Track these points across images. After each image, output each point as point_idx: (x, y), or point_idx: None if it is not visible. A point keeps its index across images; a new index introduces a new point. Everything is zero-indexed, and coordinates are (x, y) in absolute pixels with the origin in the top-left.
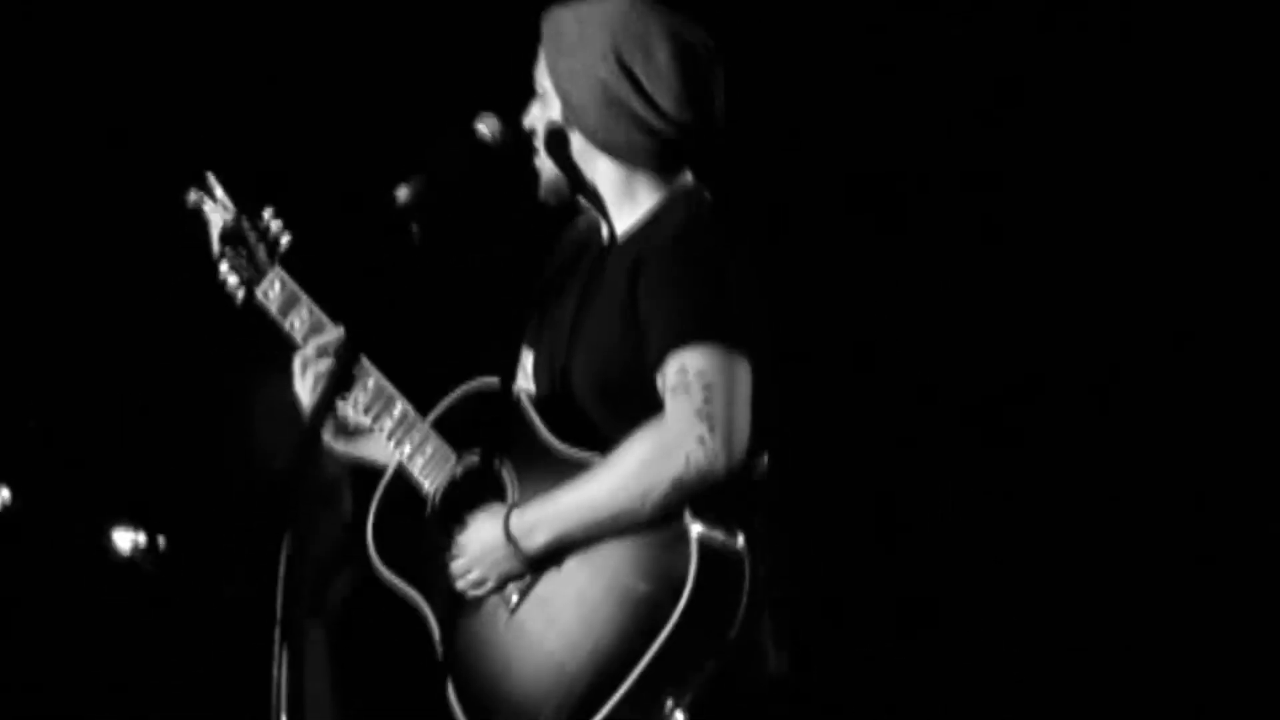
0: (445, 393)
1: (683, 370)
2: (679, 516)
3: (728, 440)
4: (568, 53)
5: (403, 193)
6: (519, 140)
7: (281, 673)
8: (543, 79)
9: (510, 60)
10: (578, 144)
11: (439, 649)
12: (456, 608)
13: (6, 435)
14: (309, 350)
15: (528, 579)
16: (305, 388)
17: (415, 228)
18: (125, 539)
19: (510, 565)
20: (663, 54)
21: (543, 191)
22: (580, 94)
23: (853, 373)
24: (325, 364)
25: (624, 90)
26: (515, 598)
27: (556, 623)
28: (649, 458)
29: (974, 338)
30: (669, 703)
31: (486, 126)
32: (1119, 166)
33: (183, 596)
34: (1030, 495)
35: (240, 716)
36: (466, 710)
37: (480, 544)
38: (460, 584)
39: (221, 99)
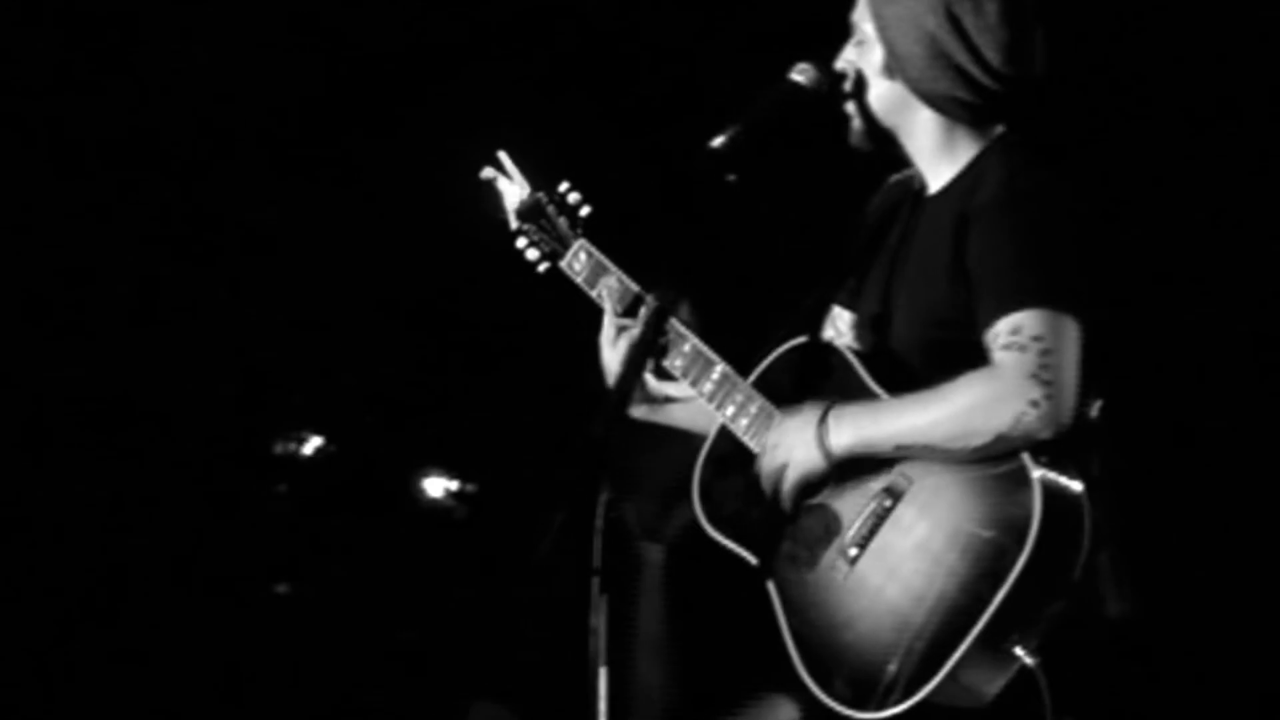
0: (760, 348)
1: (1017, 330)
2: (1018, 461)
3: (1058, 407)
4: (894, 0)
5: (719, 141)
6: (835, 88)
7: (601, 623)
8: (864, 24)
9: (823, 4)
10: (898, 93)
11: (777, 607)
12: (792, 565)
13: (323, 387)
14: (620, 318)
15: (866, 530)
16: (615, 355)
17: (732, 176)
18: (437, 486)
19: (809, 453)
20: (991, 6)
21: (854, 138)
22: (906, 43)
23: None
24: (636, 330)
25: (952, 43)
26: (854, 550)
27: (897, 575)
28: (980, 403)
29: None
30: (1018, 648)
31: (803, 75)
32: None
33: (493, 544)
34: None
35: (557, 668)
36: (809, 666)
37: (792, 427)
38: (763, 467)
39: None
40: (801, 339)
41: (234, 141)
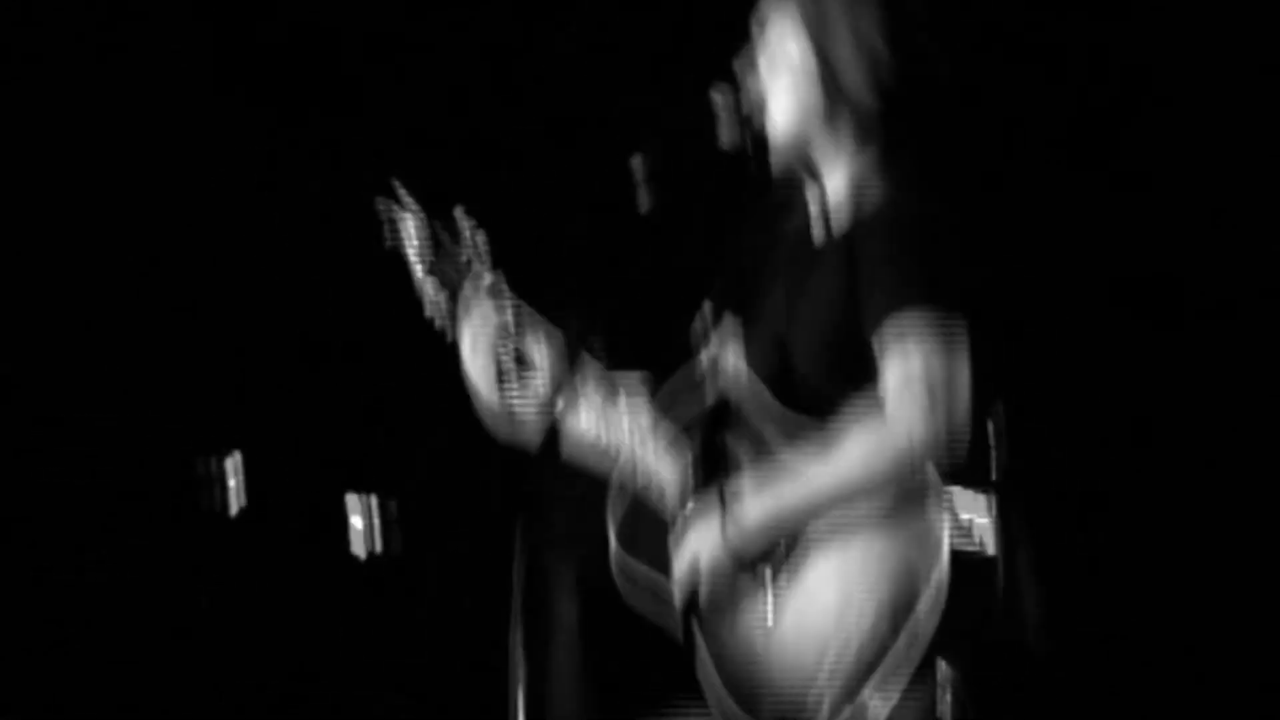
0: (667, 370)
1: (902, 336)
2: (922, 479)
3: (951, 427)
4: (824, 13)
5: (635, 162)
6: (752, 107)
7: (519, 647)
8: (784, 32)
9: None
10: (822, 103)
11: (699, 641)
12: (711, 592)
13: (240, 401)
14: (473, 293)
15: (785, 559)
16: (468, 330)
17: (647, 198)
18: (355, 506)
19: (721, 554)
20: (905, 23)
21: (775, 154)
22: (842, 50)
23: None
24: (490, 307)
25: (880, 50)
26: (771, 582)
27: (816, 603)
28: (872, 456)
29: None
30: (936, 671)
31: (720, 95)
32: None
33: (416, 567)
34: None
35: (477, 688)
36: (737, 699)
37: (698, 533)
38: (678, 580)
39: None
40: (698, 359)
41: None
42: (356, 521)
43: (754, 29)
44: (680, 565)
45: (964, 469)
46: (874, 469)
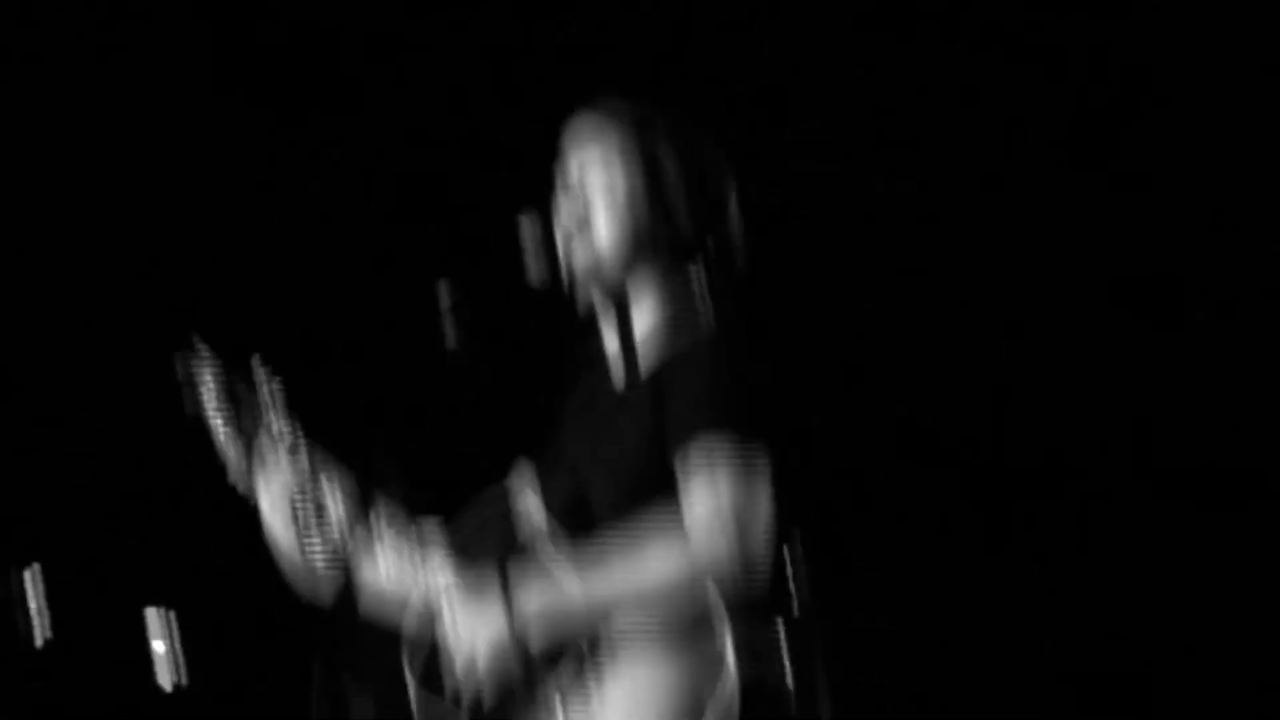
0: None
1: (706, 453)
2: (710, 624)
3: (751, 539)
4: (613, 150)
5: (441, 294)
6: (554, 238)
7: None
8: (585, 174)
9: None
10: (619, 241)
11: None
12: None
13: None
14: (271, 473)
15: (567, 693)
16: (268, 492)
17: (452, 329)
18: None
19: (503, 657)
20: (698, 160)
21: (581, 289)
22: (628, 191)
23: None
24: (286, 463)
25: (672, 190)
26: (561, 713)
27: None
28: (670, 560)
29: None
30: None
31: (528, 227)
32: None
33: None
34: None
35: None
36: None
37: (470, 631)
38: (454, 655)
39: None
40: (488, 499)
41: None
42: (159, 646)
43: (568, 156)
44: (457, 652)
45: (761, 599)
46: (668, 579)
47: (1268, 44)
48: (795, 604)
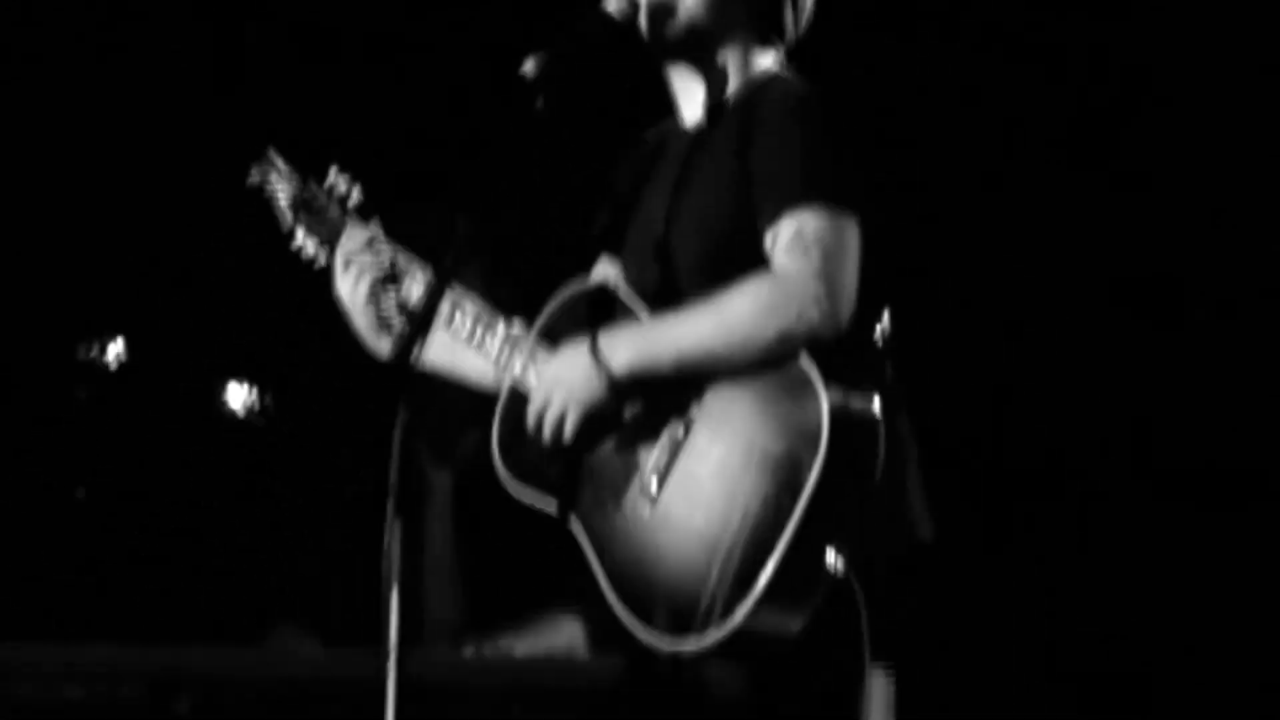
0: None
1: (799, 232)
2: (801, 371)
3: (838, 306)
4: None
5: (530, 66)
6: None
7: (394, 545)
8: None
9: None
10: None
11: (589, 551)
12: (598, 508)
13: (123, 290)
14: (351, 246)
15: (663, 464)
16: (348, 284)
17: (541, 102)
18: (238, 395)
19: (592, 388)
20: None
21: (673, 30)
22: None
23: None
24: (368, 259)
25: None
26: (654, 486)
27: (700, 501)
28: (761, 306)
29: None
30: (825, 556)
31: (615, 4)
32: None
33: (293, 456)
34: None
35: (352, 582)
36: (628, 604)
37: (561, 364)
38: (540, 416)
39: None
40: (577, 286)
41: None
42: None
43: None
44: (552, 415)
45: (853, 371)
46: (761, 324)
47: (1266, 44)
48: (887, 373)
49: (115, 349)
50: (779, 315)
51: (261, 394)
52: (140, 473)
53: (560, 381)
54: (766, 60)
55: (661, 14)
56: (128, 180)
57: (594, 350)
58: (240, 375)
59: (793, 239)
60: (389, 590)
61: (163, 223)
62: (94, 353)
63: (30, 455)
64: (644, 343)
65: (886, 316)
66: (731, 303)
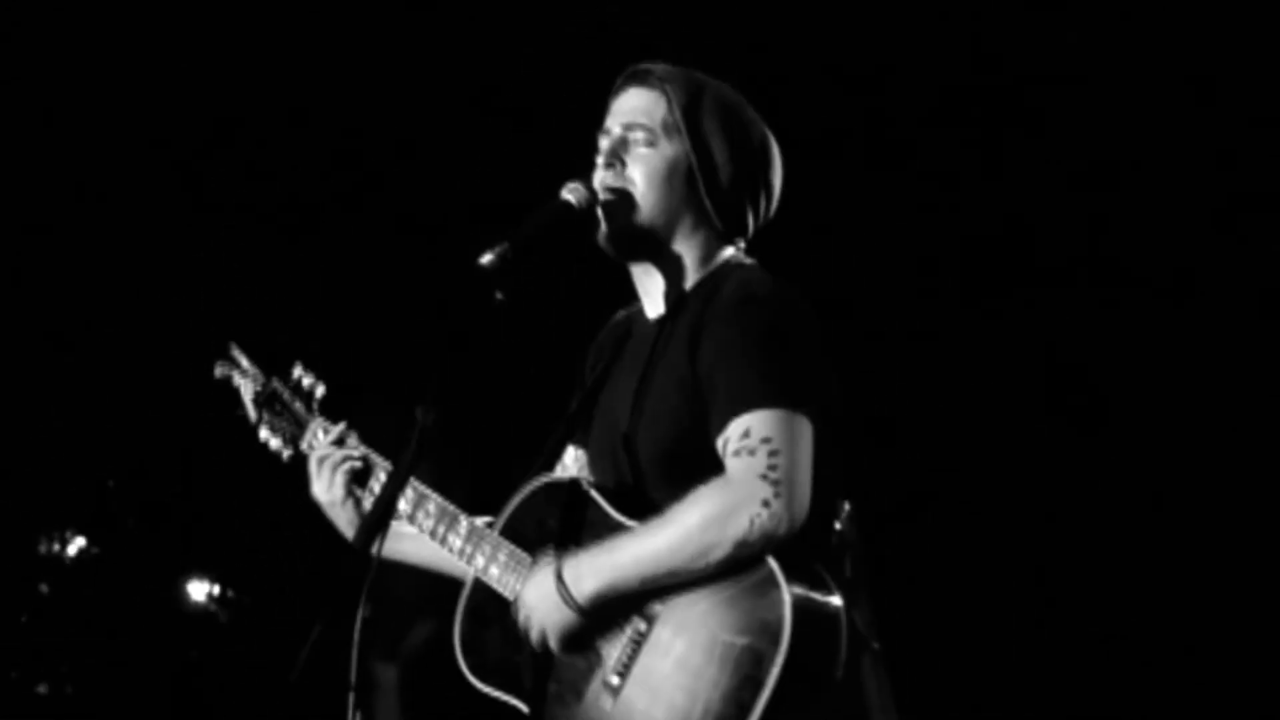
0: (507, 489)
1: (746, 434)
2: (765, 567)
3: (790, 504)
4: (708, 112)
5: (487, 259)
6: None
7: None
8: (657, 126)
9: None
10: (682, 198)
11: None
12: (561, 705)
13: (87, 489)
14: (322, 449)
15: (625, 658)
16: (323, 485)
17: (499, 293)
18: (200, 589)
19: (562, 615)
20: (765, 137)
21: (609, 239)
22: (722, 156)
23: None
24: (339, 457)
25: (764, 164)
26: (615, 680)
27: (663, 695)
28: (713, 516)
29: None
30: None
31: (573, 194)
32: None
33: (254, 648)
34: None
35: None
36: None
37: (534, 592)
38: (525, 632)
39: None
40: (543, 479)
41: None
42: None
43: (619, 108)
44: (533, 639)
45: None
46: (715, 534)
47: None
48: (847, 567)
49: (77, 544)
50: (731, 523)
51: (225, 587)
52: (105, 664)
53: (534, 610)
54: (727, 251)
55: (619, 207)
56: (91, 370)
57: (560, 582)
58: (202, 570)
59: (740, 442)
60: None
61: (127, 417)
62: (55, 547)
63: None
64: (607, 568)
65: (846, 508)
66: (685, 516)
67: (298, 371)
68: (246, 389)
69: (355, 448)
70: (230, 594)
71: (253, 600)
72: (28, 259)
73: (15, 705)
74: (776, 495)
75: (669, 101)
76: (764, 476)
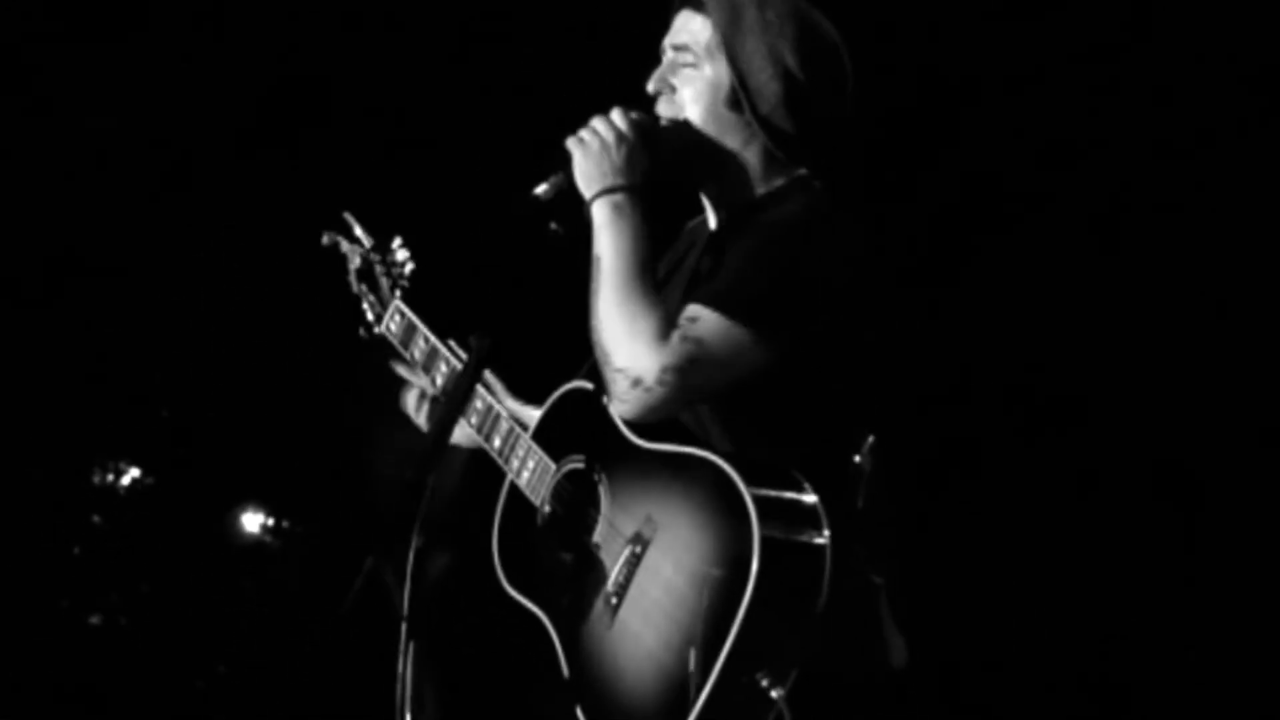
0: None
1: (693, 320)
2: (740, 495)
3: (664, 401)
4: (749, 32)
5: (543, 189)
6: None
7: (408, 669)
8: (700, 49)
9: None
10: (733, 122)
11: (561, 660)
12: (574, 616)
13: (142, 419)
14: (422, 384)
15: (625, 578)
16: (422, 417)
17: (554, 224)
18: (253, 521)
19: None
20: (830, 53)
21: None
22: (763, 78)
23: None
24: (443, 388)
25: (805, 83)
26: (614, 599)
27: (651, 619)
28: (626, 344)
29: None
30: (764, 683)
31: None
32: None
33: (306, 579)
34: None
35: (362, 703)
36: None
37: None
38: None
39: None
40: (573, 386)
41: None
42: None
43: (673, 29)
44: None
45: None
46: (623, 352)
47: None
48: (859, 499)
49: (130, 475)
50: (628, 365)
51: (279, 518)
52: (156, 596)
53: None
54: (792, 173)
55: (673, 131)
56: (146, 299)
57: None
58: (256, 500)
59: (682, 325)
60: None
61: (181, 347)
62: (109, 478)
63: (47, 580)
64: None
65: (868, 444)
66: (616, 325)
67: (396, 244)
68: (353, 258)
69: (423, 337)
70: (284, 524)
71: (305, 530)
72: (85, 185)
73: (68, 636)
74: (660, 384)
75: (711, 23)
76: (672, 366)
